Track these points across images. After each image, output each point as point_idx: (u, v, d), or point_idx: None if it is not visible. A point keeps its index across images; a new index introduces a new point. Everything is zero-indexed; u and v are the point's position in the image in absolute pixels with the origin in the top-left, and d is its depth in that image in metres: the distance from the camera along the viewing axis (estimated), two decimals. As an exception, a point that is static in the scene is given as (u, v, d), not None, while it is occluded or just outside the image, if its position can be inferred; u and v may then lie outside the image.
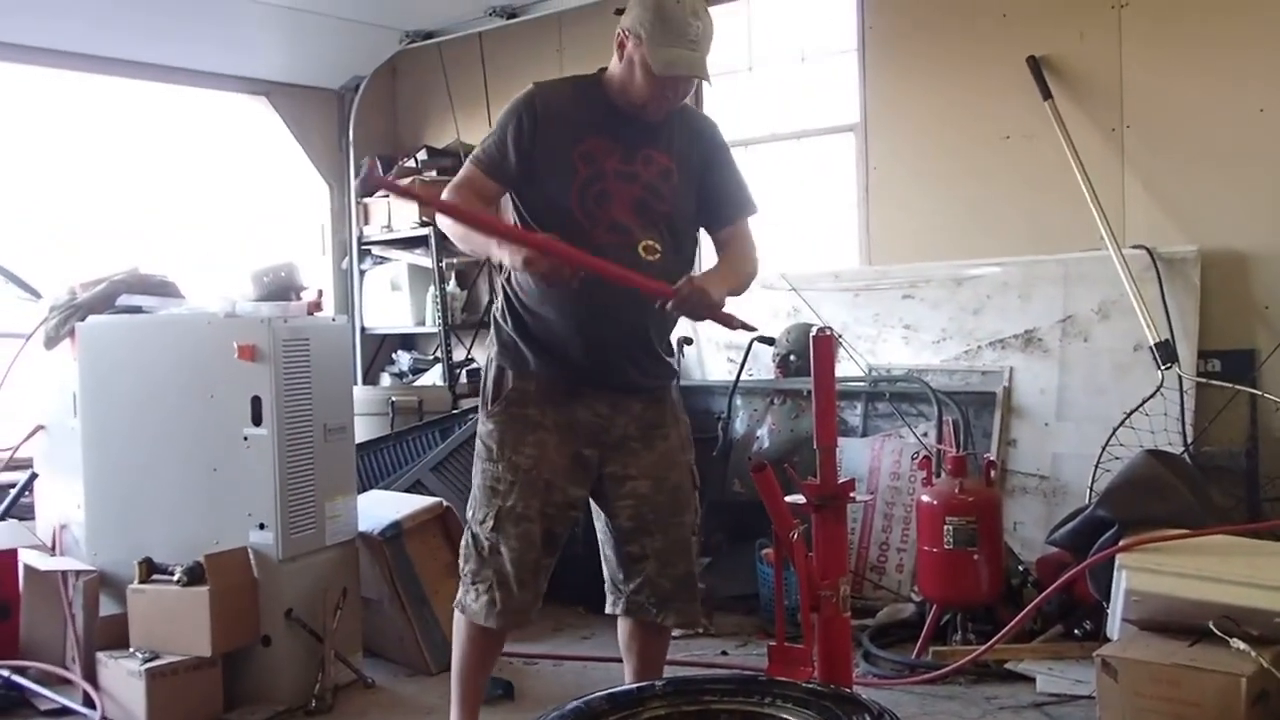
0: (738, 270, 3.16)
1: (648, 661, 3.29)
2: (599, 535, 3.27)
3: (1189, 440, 4.53)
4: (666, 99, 3.00)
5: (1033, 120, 5.10)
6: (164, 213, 6.46)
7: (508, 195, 3.12)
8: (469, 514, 3.15)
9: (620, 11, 3.04)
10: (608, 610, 3.30)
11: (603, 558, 3.27)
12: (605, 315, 3.01)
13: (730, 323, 3.00)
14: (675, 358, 3.28)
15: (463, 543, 3.17)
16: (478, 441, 3.15)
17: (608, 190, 2.99)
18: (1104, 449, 4.51)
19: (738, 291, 3.12)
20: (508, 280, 3.15)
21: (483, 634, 3.14)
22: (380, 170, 3.05)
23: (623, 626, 3.30)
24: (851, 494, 3.07)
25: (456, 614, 3.17)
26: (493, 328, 3.21)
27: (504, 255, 2.91)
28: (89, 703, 3.85)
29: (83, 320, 4.43)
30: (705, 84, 3.07)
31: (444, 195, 3.06)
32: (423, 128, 7.30)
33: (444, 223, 3.08)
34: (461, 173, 3.11)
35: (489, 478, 3.08)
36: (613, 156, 3.01)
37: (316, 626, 4.08)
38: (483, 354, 5.78)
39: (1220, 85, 4.74)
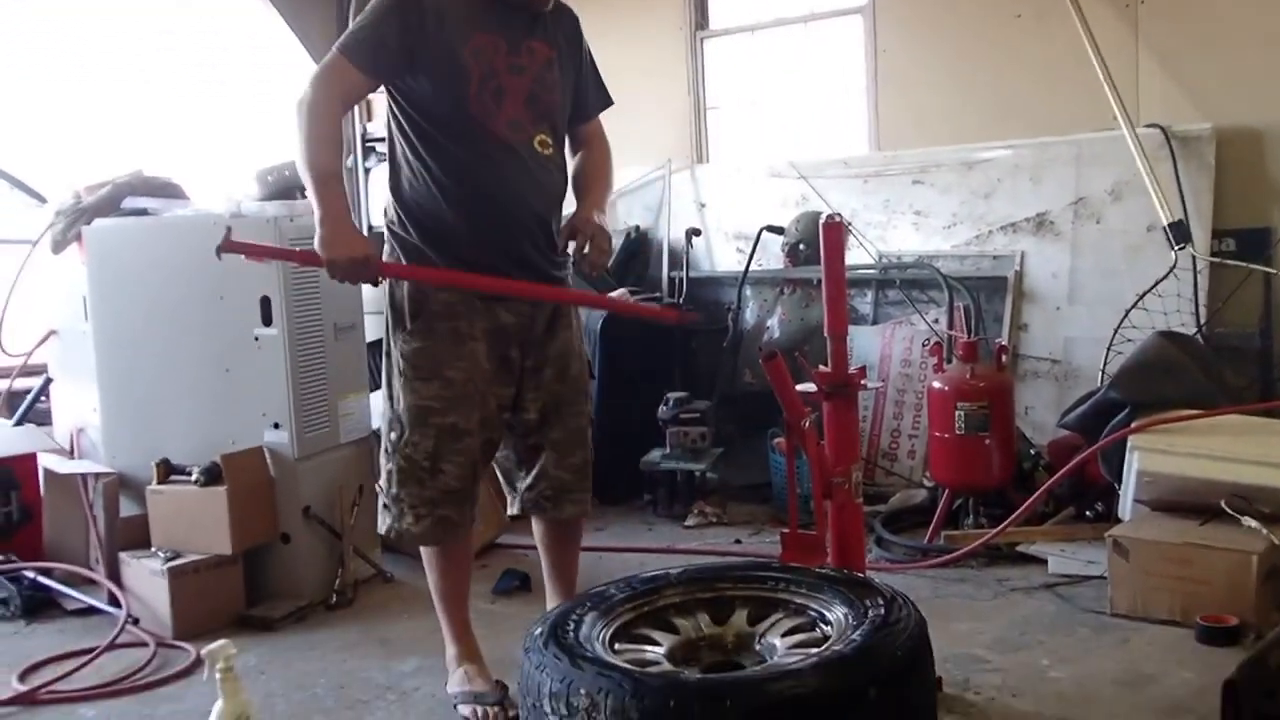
0: (607, 188, 3.26)
1: (561, 555, 3.34)
2: None
3: (1202, 321, 4.52)
4: None
5: (1045, -3, 4.99)
6: (165, 112, 6.38)
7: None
8: (392, 437, 3.04)
9: None
10: (509, 511, 3.33)
11: (496, 460, 3.24)
12: (506, 208, 2.97)
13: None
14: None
15: (389, 468, 3.06)
16: (398, 361, 3.02)
17: (502, 86, 2.94)
18: (1116, 331, 4.50)
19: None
20: (396, 190, 3.05)
21: (446, 553, 3.13)
22: (232, 235, 2.95)
23: (536, 525, 3.33)
24: (862, 381, 3.08)
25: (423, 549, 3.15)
26: (392, 242, 3.06)
27: (320, 240, 2.82)
28: (114, 602, 3.90)
29: (89, 224, 4.40)
30: None
31: (307, 91, 2.88)
32: (423, 20, 7.15)
33: (304, 132, 2.88)
34: (329, 62, 2.90)
35: (420, 397, 2.98)
36: (500, 51, 2.95)
37: (334, 523, 4.14)
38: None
39: (1238, -44, 4.63)
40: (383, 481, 3.12)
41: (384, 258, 3.05)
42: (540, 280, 3.07)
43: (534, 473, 3.19)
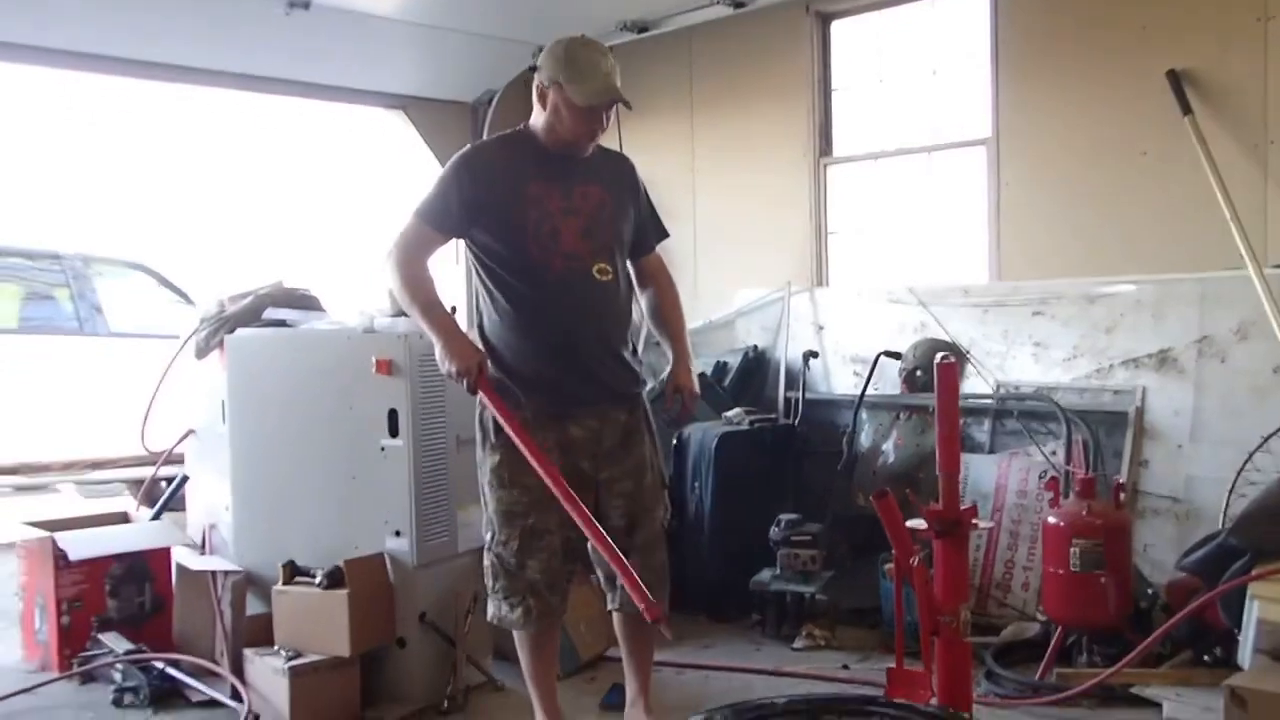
0: (684, 325, 3.72)
1: (639, 654, 3.71)
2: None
3: (1330, 467, 4.40)
4: (593, 129, 3.41)
5: (1171, 136, 4.99)
6: (307, 225, 6.70)
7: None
8: (487, 537, 3.54)
9: (534, 69, 3.48)
10: (608, 606, 3.69)
11: (594, 561, 3.58)
12: (569, 333, 3.41)
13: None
14: (640, 362, 3.65)
15: (486, 564, 3.55)
16: (488, 474, 3.49)
17: (557, 227, 3.39)
18: (1239, 473, 4.41)
19: None
20: (480, 325, 3.53)
21: (535, 639, 3.55)
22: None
23: (618, 622, 3.69)
24: (974, 520, 3.09)
25: (515, 632, 3.57)
26: None
27: (439, 353, 3.38)
28: (236, 696, 4.04)
29: (231, 332, 4.64)
30: (625, 109, 3.43)
31: (393, 249, 3.43)
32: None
33: (397, 282, 3.43)
34: (408, 226, 3.46)
35: (504, 504, 3.46)
36: (554, 196, 3.41)
37: (449, 630, 4.23)
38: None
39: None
40: (485, 576, 3.57)
41: None
42: (608, 395, 3.49)
43: None
